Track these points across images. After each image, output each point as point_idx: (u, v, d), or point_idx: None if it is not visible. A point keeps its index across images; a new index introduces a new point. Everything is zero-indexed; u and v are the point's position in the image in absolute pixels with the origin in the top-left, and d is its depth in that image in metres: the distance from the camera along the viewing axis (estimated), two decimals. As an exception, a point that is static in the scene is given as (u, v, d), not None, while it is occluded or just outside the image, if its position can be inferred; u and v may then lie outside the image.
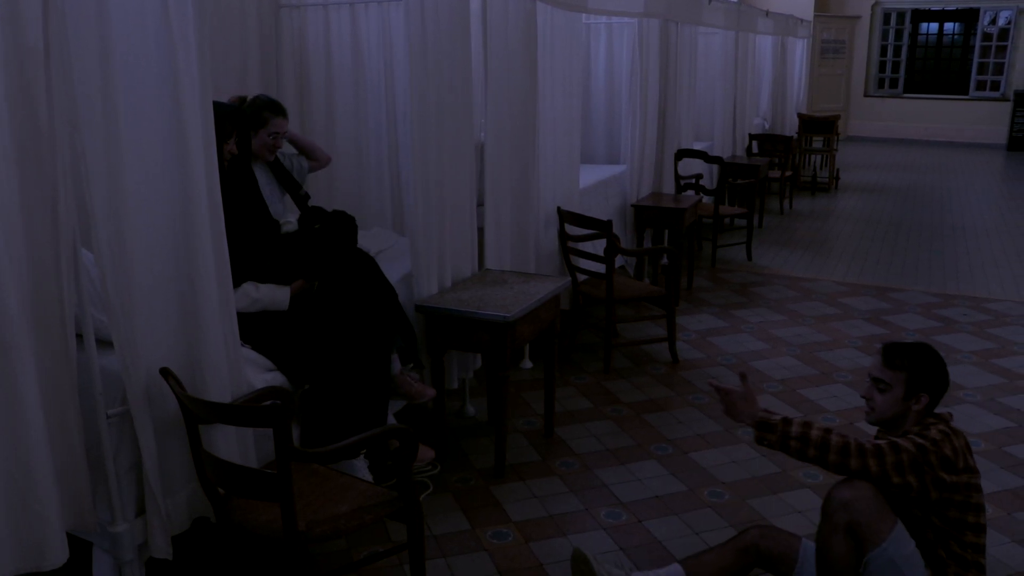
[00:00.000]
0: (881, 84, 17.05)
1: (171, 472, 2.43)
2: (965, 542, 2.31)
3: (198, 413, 2.27)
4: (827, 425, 2.32)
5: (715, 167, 7.41)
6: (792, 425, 2.32)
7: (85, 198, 2.12)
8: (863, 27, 16.53)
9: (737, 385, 2.46)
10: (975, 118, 16.16)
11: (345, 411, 2.98)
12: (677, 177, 6.76)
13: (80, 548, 2.42)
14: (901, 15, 16.63)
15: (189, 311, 2.39)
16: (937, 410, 2.44)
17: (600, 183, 5.69)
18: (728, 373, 4.60)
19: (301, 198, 3.63)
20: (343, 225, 3.25)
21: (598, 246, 4.71)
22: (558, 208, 4.70)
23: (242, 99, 3.47)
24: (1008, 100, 15.65)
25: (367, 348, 3.05)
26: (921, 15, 16.83)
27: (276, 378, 2.80)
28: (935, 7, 16.51)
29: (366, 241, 3.76)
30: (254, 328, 2.81)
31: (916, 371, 2.38)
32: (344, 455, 2.36)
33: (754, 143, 9.32)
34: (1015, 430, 3.93)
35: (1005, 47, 15.80)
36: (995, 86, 16.11)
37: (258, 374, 2.75)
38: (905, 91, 16.98)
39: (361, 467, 3.03)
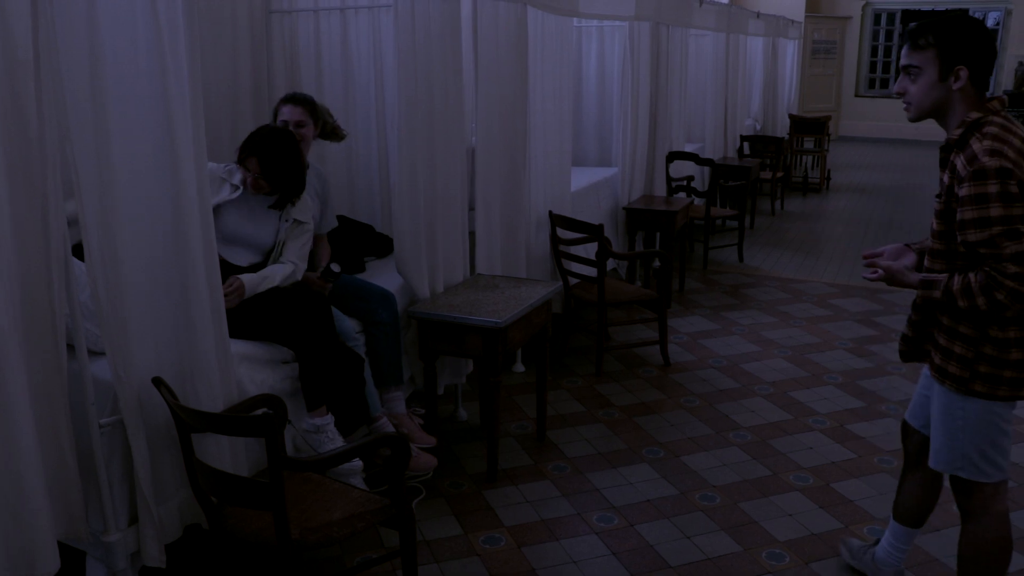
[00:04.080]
0: (872, 84, 17.12)
1: (163, 481, 2.44)
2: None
3: (190, 422, 2.27)
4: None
5: (706, 169, 7.44)
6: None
7: (76, 208, 2.12)
8: (854, 27, 16.60)
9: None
10: (965, 118, 16.20)
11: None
12: (668, 179, 6.78)
13: (73, 557, 2.42)
14: (891, 15, 16.69)
15: (180, 320, 2.40)
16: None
17: (591, 186, 5.71)
18: (719, 375, 4.62)
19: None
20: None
21: (590, 250, 4.73)
22: (549, 212, 4.71)
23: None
24: (998, 100, 15.72)
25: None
26: (911, 15, 16.88)
27: (269, 380, 2.81)
28: (925, 7, 16.57)
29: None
30: (245, 317, 2.82)
31: (946, 42, 1.98)
32: (335, 464, 2.36)
33: (745, 144, 9.35)
34: (1004, 431, 3.95)
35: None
36: (985, 86, 16.19)
37: (253, 373, 2.75)
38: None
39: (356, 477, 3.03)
